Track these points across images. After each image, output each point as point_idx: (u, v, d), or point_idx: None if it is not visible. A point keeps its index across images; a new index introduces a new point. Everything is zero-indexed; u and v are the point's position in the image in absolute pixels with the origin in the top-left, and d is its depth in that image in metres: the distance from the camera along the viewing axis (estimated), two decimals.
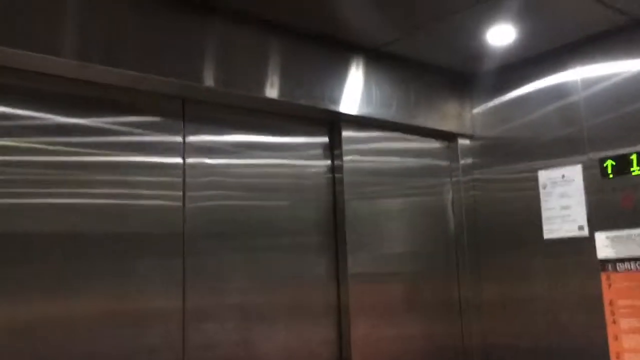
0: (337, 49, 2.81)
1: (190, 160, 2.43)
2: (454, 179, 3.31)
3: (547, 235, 2.96)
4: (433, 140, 3.28)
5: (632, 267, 2.66)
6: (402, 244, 3.04)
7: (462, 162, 3.30)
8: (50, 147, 2.11)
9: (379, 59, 2.95)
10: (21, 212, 2.02)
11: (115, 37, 2.14)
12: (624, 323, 2.66)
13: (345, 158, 2.87)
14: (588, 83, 2.87)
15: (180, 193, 2.38)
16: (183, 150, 2.42)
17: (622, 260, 2.69)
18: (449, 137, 3.31)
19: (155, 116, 2.37)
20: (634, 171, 2.68)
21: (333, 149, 2.90)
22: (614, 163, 2.75)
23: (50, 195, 2.09)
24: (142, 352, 2.20)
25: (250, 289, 2.53)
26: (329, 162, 2.89)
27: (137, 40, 2.19)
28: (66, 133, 2.15)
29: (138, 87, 2.29)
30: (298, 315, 2.66)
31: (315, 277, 2.75)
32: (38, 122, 2.10)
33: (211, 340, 2.38)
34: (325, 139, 2.90)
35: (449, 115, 3.25)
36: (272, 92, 2.54)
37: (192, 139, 2.45)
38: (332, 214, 2.85)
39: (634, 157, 2.68)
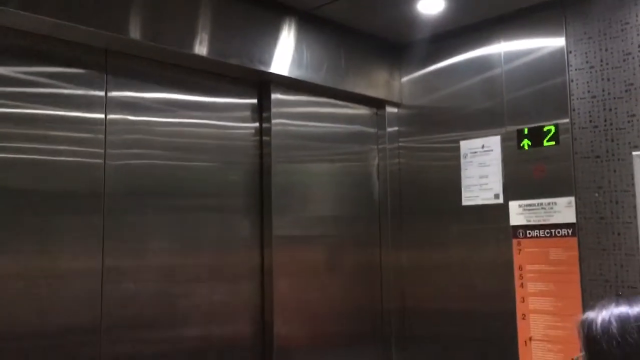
0: (270, 9, 2.75)
1: (112, 116, 2.35)
2: (380, 146, 3.34)
3: (465, 202, 3.06)
4: (361, 106, 3.29)
5: (540, 234, 2.81)
6: (327, 208, 3.06)
7: (389, 129, 3.34)
8: None
9: (312, 22, 2.92)
10: None
11: None
12: (531, 286, 2.81)
13: (274, 121, 2.84)
14: (510, 57, 2.95)
15: (102, 150, 2.30)
16: (105, 105, 2.33)
17: (532, 228, 2.83)
18: (377, 104, 3.33)
19: (76, 68, 2.26)
20: (546, 143, 2.80)
21: (262, 111, 2.86)
22: (529, 135, 2.86)
23: None
24: (58, 309, 2.16)
25: (172, 249, 2.50)
26: (257, 124, 2.85)
27: None
28: None
29: (57, 35, 2.18)
30: (220, 277, 2.64)
31: (239, 239, 2.74)
32: None
33: (130, 299, 2.34)
34: (254, 101, 2.86)
35: (378, 83, 3.26)
36: (201, 49, 2.47)
37: (115, 94, 2.36)
38: (258, 176, 2.82)
39: (549, 128, 2.78)
